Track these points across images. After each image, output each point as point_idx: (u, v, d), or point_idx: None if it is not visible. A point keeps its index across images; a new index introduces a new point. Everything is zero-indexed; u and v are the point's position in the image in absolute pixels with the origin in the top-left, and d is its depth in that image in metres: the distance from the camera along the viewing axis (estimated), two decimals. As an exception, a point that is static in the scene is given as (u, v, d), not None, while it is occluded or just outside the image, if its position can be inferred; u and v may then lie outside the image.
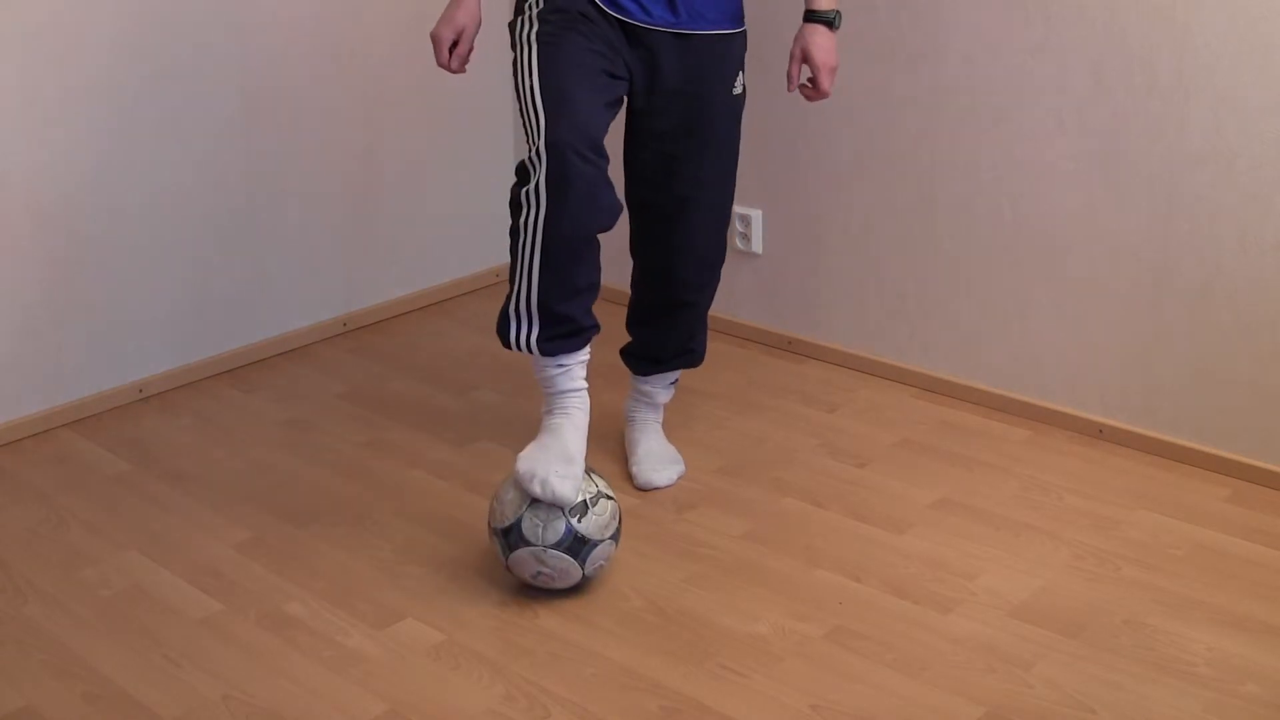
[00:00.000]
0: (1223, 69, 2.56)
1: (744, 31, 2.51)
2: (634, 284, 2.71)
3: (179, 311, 3.16)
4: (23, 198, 2.86)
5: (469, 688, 2.15)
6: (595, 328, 2.38)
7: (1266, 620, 2.28)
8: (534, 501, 2.27)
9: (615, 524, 2.35)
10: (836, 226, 3.19)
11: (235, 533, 2.58)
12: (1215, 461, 2.73)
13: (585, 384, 2.40)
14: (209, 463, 2.85)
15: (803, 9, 2.49)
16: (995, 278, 2.97)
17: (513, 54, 2.38)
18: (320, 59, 3.28)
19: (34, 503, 2.70)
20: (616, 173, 2.70)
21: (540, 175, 2.22)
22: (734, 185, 2.61)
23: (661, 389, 2.78)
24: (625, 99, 2.48)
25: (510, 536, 2.29)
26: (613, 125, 2.53)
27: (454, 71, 2.57)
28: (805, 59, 2.48)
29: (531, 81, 2.29)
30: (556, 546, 2.26)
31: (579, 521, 2.28)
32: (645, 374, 2.76)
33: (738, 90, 2.52)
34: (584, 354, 2.39)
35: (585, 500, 2.29)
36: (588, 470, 2.35)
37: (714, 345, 2.82)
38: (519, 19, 2.40)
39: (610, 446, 2.85)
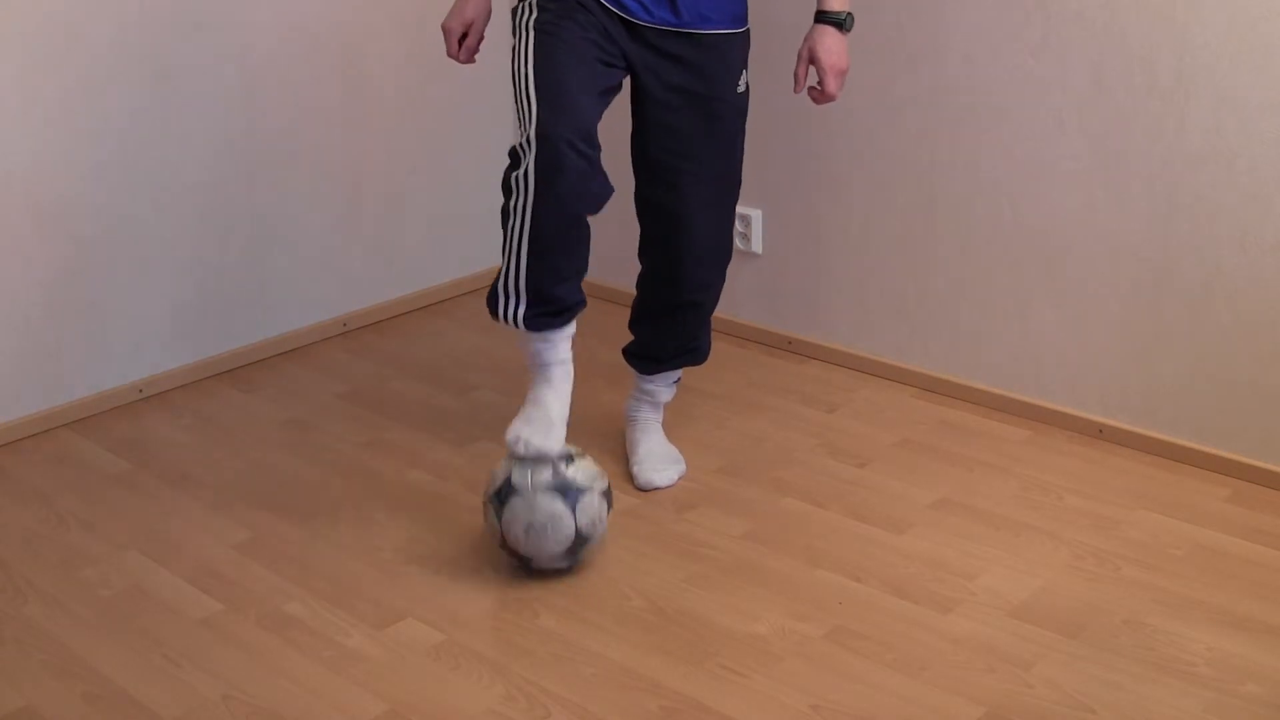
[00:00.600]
0: (1223, 69, 2.56)
1: (747, 31, 2.51)
2: (640, 283, 2.71)
3: (179, 311, 3.16)
4: (23, 198, 2.86)
5: (469, 688, 2.15)
6: (580, 304, 2.41)
7: (1266, 620, 2.28)
8: (522, 459, 2.35)
9: (605, 482, 2.40)
10: (836, 226, 3.19)
11: (235, 533, 2.58)
12: (1215, 461, 2.73)
13: (569, 356, 2.43)
14: (209, 463, 2.85)
15: (810, 8, 2.48)
16: (995, 278, 2.97)
17: (512, 40, 2.40)
18: (321, 59, 3.28)
19: (34, 503, 2.70)
20: (616, 163, 2.71)
21: (529, 162, 2.26)
22: (739, 183, 2.62)
23: (664, 388, 2.78)
24: (621, 84, 2.48)
25: (501, 494, 2.35)
26: (619, 125, 2.54)
27: (462, 63, 2.61)
28: (812, 60, 2.47)
29: (527, 69, 2.32)
30: (545, 489, 2.32)
31: (566, 467, 2.35)
32: (649, 373, 2.76)
33: (742, 88, 2.52)
34: (569, 329, 2.42)
35: (571, 453, 2.38)
36: (577, 452, 2.41)
37: (715, 345, 2.82)
38: (521, 4, 2.42)
39: (611, 446, 2.85)
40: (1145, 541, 2.51)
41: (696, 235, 2.59)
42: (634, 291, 2.74)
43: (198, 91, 3.07)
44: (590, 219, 2.47)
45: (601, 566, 2.46)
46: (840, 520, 2.60)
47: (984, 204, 2.95)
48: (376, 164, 3.48)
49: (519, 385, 3.11)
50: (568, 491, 2.33)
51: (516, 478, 2.33)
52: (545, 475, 2.33)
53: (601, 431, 2.90)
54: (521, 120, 2.30)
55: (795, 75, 2.50)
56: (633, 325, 2.75)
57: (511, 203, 2.31)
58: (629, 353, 2.77)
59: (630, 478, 2.73)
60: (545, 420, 2.37)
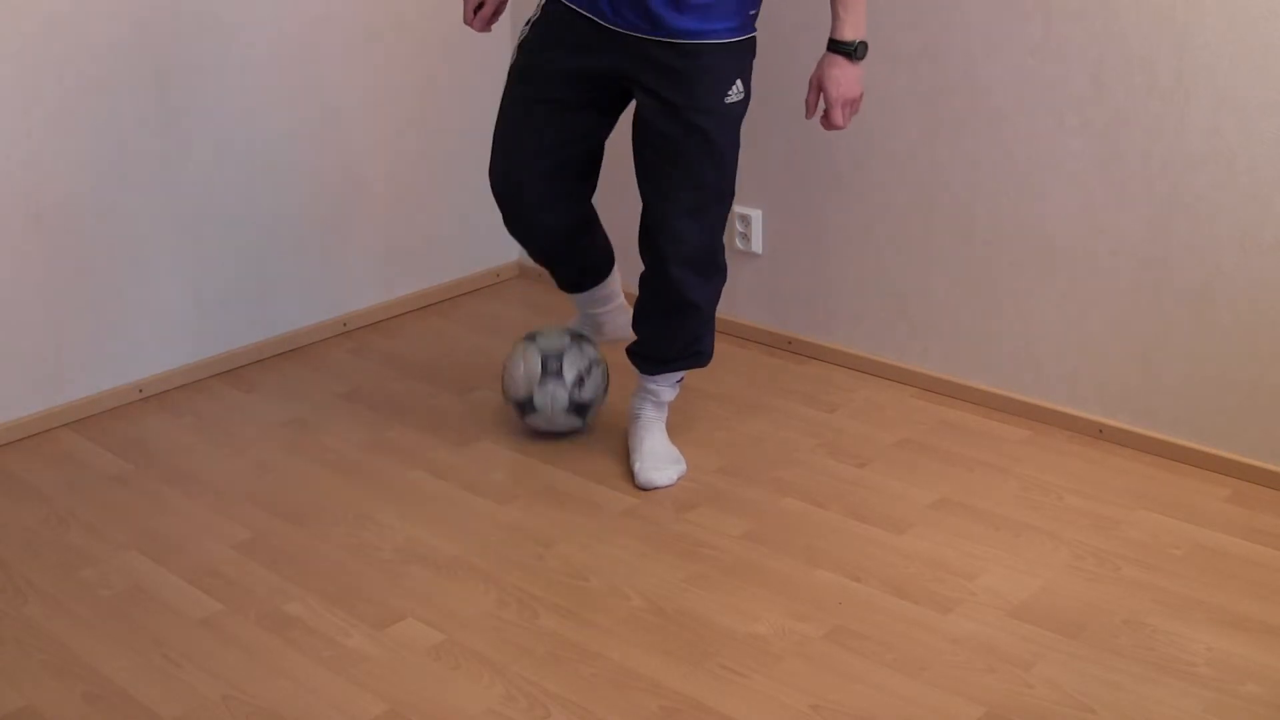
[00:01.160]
0: (1223, 69, 2.56)
1: (748, 40, 2.47)
2: (639, 282, 2.71)
3: (179, 311, 3.16)
4: (22, 198, 2.86)
5: (469, 688, 2.15)
6: (593, 282, 2.86)
7: (1266, 620, 2.28)
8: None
9: (602, 365, 2.88)
10: (836, 226, 3.19)
11: (235, 533, 2.58)
12: (1215, 461, 2.73)
13: (598, 309, 2.93)
14: (209, 463, 2.85)
15: (816, 8, 2.47)
16: (995, 278, 2.97)
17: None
18: (321, 58, 3.28)
19: (34, 503, 2.70)
20: (616, 161, 2.72)
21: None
22: (730, 192, 2.58)
23: (667, 388, 2.78)
24: (606, 118, 2.58)
25: (523, 406, 2.85)
26: (619, 125, 2.55)
27: (477, 30, 2.65)
28: (821, 89, 2.47)
29: (499, 110, 2.65)
30: (563, 410, 2.82)
31: (579, 391, 2.83)
32: (651, 373, 2.75)
33: (733, 98, 2.48)
34: (594, 293, 2.89)
35: (579, 360, 2.83)
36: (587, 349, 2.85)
37: (715, 345, 2.81)
38: (523, 26, 2.54)
39: (612, 446, 2.85)
40: (1145, 541, 2.51)
41: (678, 241, 2.57)
42: (636, 290, 2.74)
43: (198, 91, 3.07)
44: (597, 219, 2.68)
45: (601, 566, 2.46)
46: (840, 520, 2.60)
47: (984, 204, 2.95)
48: (377, 164, 3.48)
49: (519, 385, 3.12)
50: (582, 410, 2.84)
51: (539, 398, 2.81)
52: (563, 398, 2.80)
53: (603, 430, 2.90)
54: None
55: (805, 102, 2.51)
56: (635, 325, 2.75)
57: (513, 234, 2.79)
58: (632, 352, 2.77)
59: (631, 476, 2.73)
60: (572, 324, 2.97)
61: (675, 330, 2.69)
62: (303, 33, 3.24)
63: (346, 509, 2.67)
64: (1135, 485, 2.71)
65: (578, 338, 2.85)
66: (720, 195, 2.57)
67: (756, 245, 3.34)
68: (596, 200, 2.74)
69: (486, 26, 2.63)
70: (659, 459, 2.74)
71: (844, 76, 2.45)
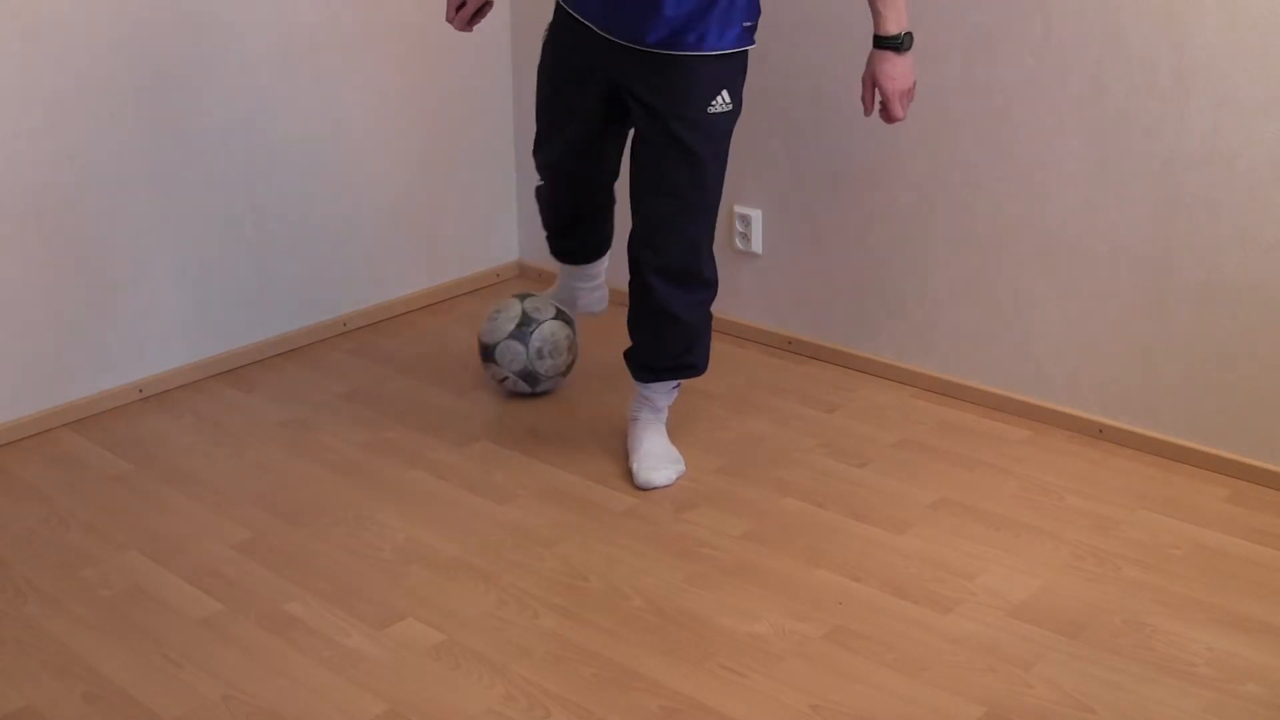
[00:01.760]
0: (1223, 69, 2.56)
1: (740, 54, 2.47)
2: (629, 288, 2.71)
3: (179, 311, 3.16)
4: (23, 198, 2.86)
5: (469, 688, 2.15)
6: (592, 257, 3.02)
7: (1266, 620, 2.28)
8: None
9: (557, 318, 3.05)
10: (836, 226, 3.19)
11: (235, 533, 2.58)
12: (1215, 461, 2.73)
13: (581, 285, 3.07)
14: (209, 463, 2.85)
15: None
16: (995, 278, 2.97)
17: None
18: (321, 58, 3.28)
19: (34, 503, 2.70)
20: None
21: (539, 180, 2.85)
22: (713, 205, 2.57)
23: (662, 394, 2.77)
24: (616, 114, 2.60)
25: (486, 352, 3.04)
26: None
27: (457, 29, 2.65)
28: (876, 85, 2.49)
29: (537, 91, 2.73)
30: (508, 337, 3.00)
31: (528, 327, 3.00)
32: (644, 380, 2.75)
33: (717, 109, 2.47)
34: (589, 268, 3.05)
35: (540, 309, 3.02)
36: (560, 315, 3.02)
37: (714, 345, 2.81)
38: (547, 30, 2.65)
39: (612, 446, 2.85)
40: (1145, 541, 2.51)
41: (655, 251, 2.57)
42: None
43: (198, 91, 3.07)
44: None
45: (601, 566, 2.46)
46: (840, 520, 2.60)
47: (984, 204, 2.95)
48: (377, 164, 3.48)
49: (519, 385, 3.12)
50: (531, 379, 3.03)
51: (500, 351, 3.01)
52: (520, 359, 3.00)
53: (602, 431, 2.91)
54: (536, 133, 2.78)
55: (862, 100, 2.52)
56: (628, 329, 2.75)
57: (537, 197, 2.96)
58: (627, 357, 2.76)
59: (630, 476, 2.73)
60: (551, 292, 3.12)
61: (660, 339, 2.68)
62: (303, 33, 3.23)
63: (346, 509, 2.67)
64: (1135, 485, 2.71)
65: (563, 316, 3.03)
66: (702, 208, 2.55)
67: (756, 245, 3.34)
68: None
69: (467, 26, 2.62)
70: (657, 459, 2.74)
71: (895, 70, 2.47)
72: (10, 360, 2.91)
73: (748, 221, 3.32)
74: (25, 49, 2.79)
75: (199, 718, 2.09)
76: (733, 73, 2.48)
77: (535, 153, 2.81)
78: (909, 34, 2.46)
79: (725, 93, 2.47)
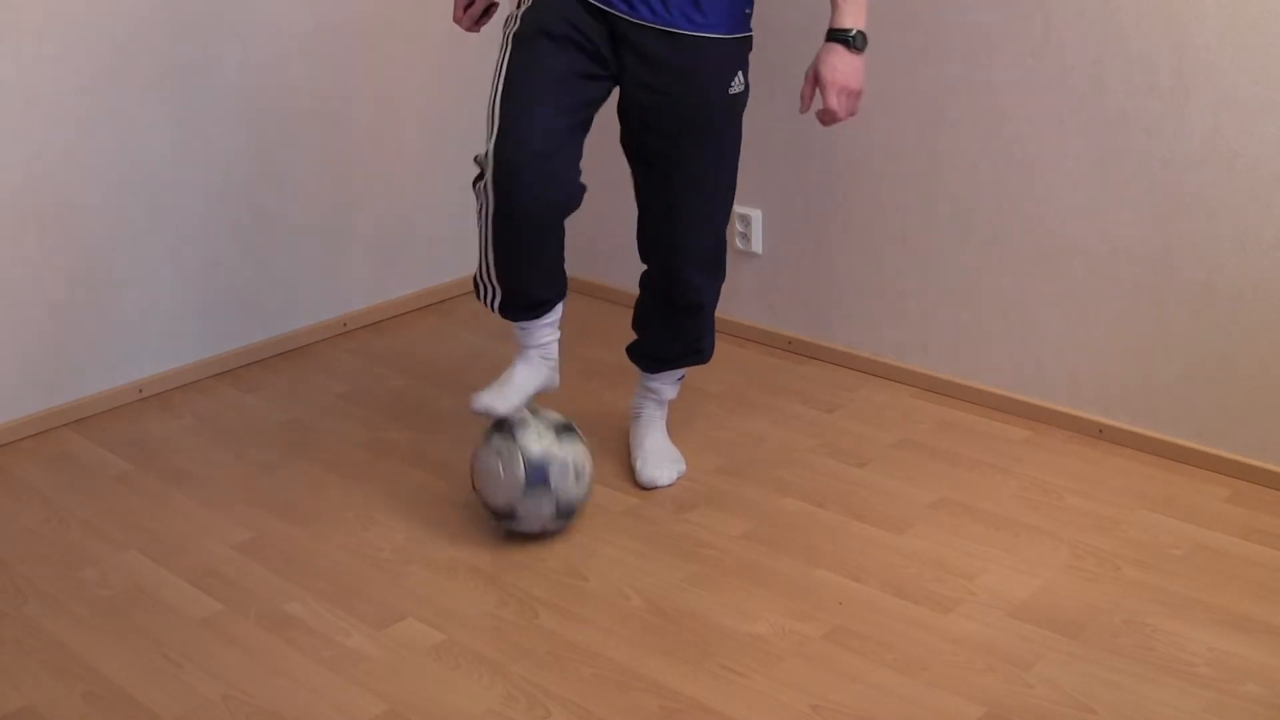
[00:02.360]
0: (1223, 69, 2.56)
1: (746, 37, 2.46)
2: (641, 283, 2.70)
3: (179, 311, 3.17)
4: (24, 198, 2.86)
5: (469, 688, 2.15)
6: (554, 299, 2.50)
7: (1266, 620, 2.28)
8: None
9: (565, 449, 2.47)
10: (836, 226, 3.19)
11: (235, 533, 2.58)
12: (1215, 461, 2.73)
13: (548, 341, 2.53)
14: (209, 463, 2.85)
15: (816, 9, 2.45)
16: (995, 278, 2.97)
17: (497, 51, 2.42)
18: (321, 59, 3.28)
19: (34, 503, 2.70)
20: (616, 161, 2.71)
21: (489, 176, 2.36)
22: (734, 184, 2.58)
23: (669, 385, 2.78)
24: (608, 93, 2.45)
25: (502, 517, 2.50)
26: (612, 121, 2.54)
27: (465, 29, 2.61)
28: (817, 76, 2.39)
29: (498, 83, 2.40)
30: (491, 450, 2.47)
31: (517, 430, 2.45)
32: (653, 371, 2.75)
33: (735, 89, 2.46)
34: (548, 319, 2.51)
35: (527, 418, 2.48)
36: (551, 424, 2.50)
37: (716, 345, 2.81)
38: (512, 12, 2.42)
39: (613, 445, 2.85)
40: (1145, 541, 2.51)
41: (684, 236, 2.56)
42: (634, 291, 2.74)
43: (199, 92, 3.07)
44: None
45: (601, 566, 2.46)
46: (840, 520, 2.60)
47: (984, 204, 2.95)
48: (377, 164, 3.48)
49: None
50: (569, 514, 2.50)
51: (522, 509, 2.46)
52: (549, 508, 2.46)
53: (603, 431, 2.90)
54: (487, 131, 2.38)
55: (801, 94, 2.42)
56: (635, 325, 2.75)
57: (477, 207, 2.43)
58: (633, 351, 2.76)
59: (632, 474, 2.73)
60: (503, 384, 2.49)
61: (680, 331, 2.69)
62: (303, 33, 3.24)
63: (346, 509, 2.67)
64: (1135, 485, 2.71)
65: (561, 428, 2.50)
66: (723, 188, 2.56)
67: (756, 245, 3.34)
68: (596, 199, 2.73)
69: (475, 26, 2.61)
70: (661, 457, 2.74)
71: (841, 64, 2.37)
72: (10, 360, 2.91)
73: (748, 221, 3.32)
74: (26, 48, 2.79)
75: (199, 718, 2.09)
76: (744, 54, 2.47)
77: (488, 155, 2.37)
78: (862, 33, 2.37)
79: (740, 74, 2.46)
